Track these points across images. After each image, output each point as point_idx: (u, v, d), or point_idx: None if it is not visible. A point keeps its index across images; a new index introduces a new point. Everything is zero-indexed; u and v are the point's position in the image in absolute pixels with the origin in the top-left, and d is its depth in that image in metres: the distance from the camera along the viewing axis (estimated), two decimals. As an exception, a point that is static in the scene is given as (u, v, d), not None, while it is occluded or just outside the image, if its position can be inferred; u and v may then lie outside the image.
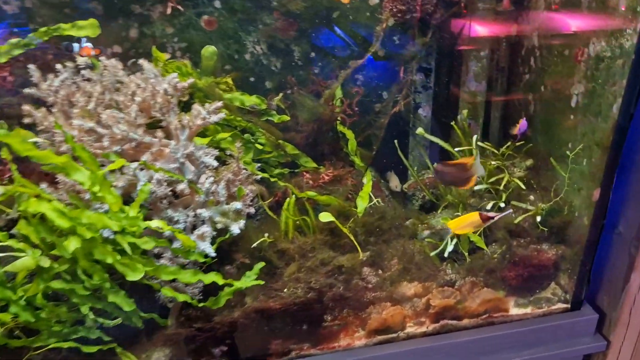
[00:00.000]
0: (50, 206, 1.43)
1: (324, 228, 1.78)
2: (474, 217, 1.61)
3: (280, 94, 1.96)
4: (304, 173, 1.93)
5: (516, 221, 1.81)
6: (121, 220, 1.46)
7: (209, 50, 1.84)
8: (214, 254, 1.58)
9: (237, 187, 1.67)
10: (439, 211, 1.99)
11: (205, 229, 1.59)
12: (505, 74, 2.07)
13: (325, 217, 1.72)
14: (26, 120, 1.53)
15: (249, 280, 1.63)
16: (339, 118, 1.97)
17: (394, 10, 1.89)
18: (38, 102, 1.57)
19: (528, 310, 1.87)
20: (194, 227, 1.64)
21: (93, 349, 1.57)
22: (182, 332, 1.63)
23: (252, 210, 1.72)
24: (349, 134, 1.99)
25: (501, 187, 1.85)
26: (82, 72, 1.62)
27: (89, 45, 1.67)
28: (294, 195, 1.75)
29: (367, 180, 1.94)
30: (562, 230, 1.83)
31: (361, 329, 1.79)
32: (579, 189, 1.78)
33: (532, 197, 1.91)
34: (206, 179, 1.61)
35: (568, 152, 1.76)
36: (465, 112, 1.98)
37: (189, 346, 1.66)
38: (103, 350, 1.58)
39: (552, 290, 1.91)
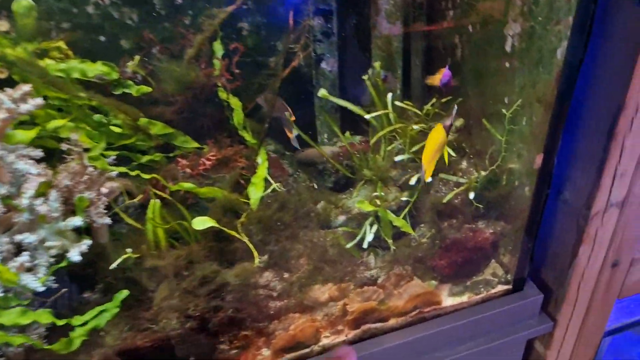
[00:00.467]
0: None
1: (208, 232, 1.39)
2: (439, 133, 1.27)
3: (136, 57, 1.49)
4: (178, 159, 1.50)
5: (445, 200, 1.48)
6: None
7: (22, 4, 1.33)
8: (40, 289, 1.17)
9: (78, 197, 1.24)
10: (356, 190, 1.62)
11: (23, 258, 1.17)
12: (425, 9, 1.67)
13: (201, 223, 1.33)
14: None
15: (106, 315, 1.24)
16: (218, 83, 1.53)
17: None
18: None
19: (464, 298, 1.57)
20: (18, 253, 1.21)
21: None
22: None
23: (106, 220, 1.31)
24: (234, 103, 1.56)
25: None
26: None
27: None
28: (157, 196, 1.34)
29: (262, 161, 1.54)
30: (500, 204, 1.51)
31: (266, 349, 1.45)
32: (518, 154, 1.45)
33: (464, 165, 1.57)
34: (26, 190, 1.17)
35: (504, 110, 1.41)
36: (377, 63, 1.57)
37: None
38: None
39: (493, 270, 1.62)
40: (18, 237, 1.17)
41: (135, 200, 1.46)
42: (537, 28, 1.27)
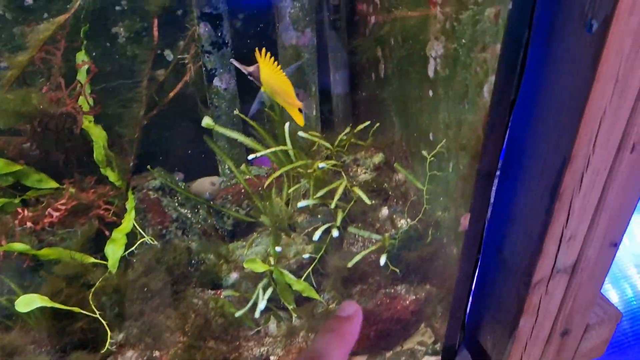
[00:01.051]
0: None
1: (46, 309, 1.09)
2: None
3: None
4: (18, 210, 1.18)
5: (350, 264, 1.17)
6: None
7: None
8: None
9: None
10: (248, 242, 1.32)
11: None
12: (343, 14, 1.34)
13: (27, 304, 1.02)
14: None
15: None
16: (70, 109, 1.21)
17: None
18: None
19: (382, 373, 1.29)
20: None
21: None
22: None
23: None
24: (96, 134, 1.24)
25: (333, 203, 1.17)
26: None
27: None
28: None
29: (129, 208, 1.22)
30: (424, 265, 1.22)
31: None
32: (444, 206, 1.15)
33: (384, 213, 1.26)
34: None
35: (425, 153, 1.10)
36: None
37: None
38: None
39: (420, 338, 1.34)
40: None
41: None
42: (461, 53, 0.95)
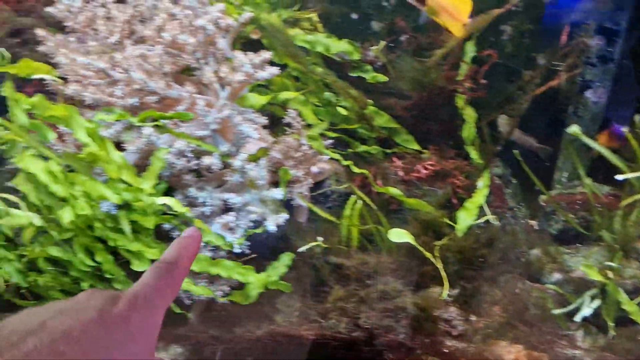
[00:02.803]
0: (44, 167, 1.13)
1: (401, 245, 1.28)
2: None
3: (382, 42, 1.41)
4: (394, 159, 1.40)
5: None
6: (120, 192, 1.12)
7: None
8: (237, 250, 1.19)
9: (282, 169, 1.23)
10: (589, 251, 1.34)
11: (229, 218, 1.19)
12: None
13: (399, 235, 1.22)
14: (41, 48, 1.23)
15: (270, 279, 1.21)
16: (458, 89, 1.37)
17: None
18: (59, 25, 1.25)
19: None
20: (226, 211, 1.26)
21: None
22: (197, 336, 1.31)
23: (303, 204, 1.28)
24: (468, 114, 1.39)
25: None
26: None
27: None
28: (358, 195, 1.27)
29: (483, 185, 1.35)
30: None
31: (426, 388, 1.31)
32: None
33: None
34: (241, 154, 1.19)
35: None
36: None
37: (204, 351, 1.34)
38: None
39: None
40: (225, 195, 1.20)
41: (340, 187, 1.41)
42: None
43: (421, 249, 1.23)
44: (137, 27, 1.23)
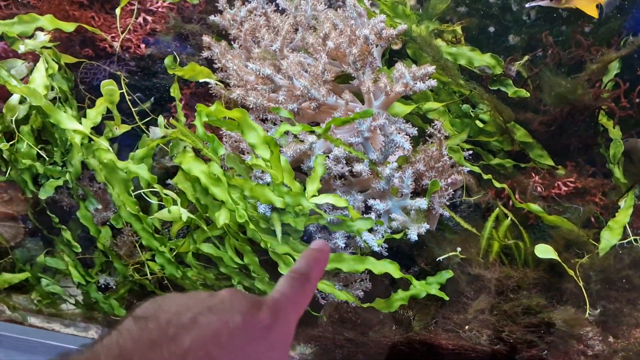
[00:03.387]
0: (205, 169, 1.20)
1: (542, 261, 1.28)
2: None
3: (526, 57, 1.41)
4: (533, 173, 1.40)
5: None
6: (283, 195, 1.17)
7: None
8: (376, 248, 1.22)
9: (432, 180, 1.25)
10: None
11: (370, 216, 1.22)
12: None
13: (544, 251, 1.21)
14: (205, 54, 1.30)
15: (430, 287, 1.23)
16: (603, 106, 1.36)
17: None
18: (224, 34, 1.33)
19: None
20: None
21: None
22: (328, 337, 1.35)
23: (445, 213, 1.30)
24: (615, 133, 1.37)
25: None
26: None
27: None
28: (500, 207, 1.27)
29: (627, 205, 1.33)
30: None
31: (560, 407, 1.29)
32: None
33: None
34: (392, 162, 1.22)
35: None
36: None
37: (336, 352, 1.38)
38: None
39: None
40: (370, 201, 1.24)
41: (471, 199, 1.42)
42: None
43: (565, 265, 1.23)
44: (295, 36, 1.28)
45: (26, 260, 1.51)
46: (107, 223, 1.41)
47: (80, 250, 1.41)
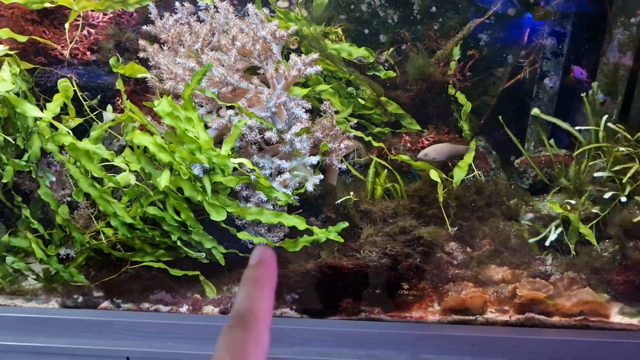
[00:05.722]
0: (152, 140, 1.53)
1: (413, 195, 1.71)
2: None
3: (391, 49, 1.86)
4: (404, 135, 1.84)
5: (636, 219, 1.57)
6: (211, 157, 1.52)
7: (319, 1, 1.80)
8: (291, 200, 1.59)
9: (323, 143, 1.65)
10: (549, 194, 1.78)
11: (286, 176, 1.60)
12: (661, 45, 1.74)
13: (434, 175, 1.64)
14: (141, 55, 1.65)
15: (330, 234, 1.61)
16: (450, 81, 1.83)
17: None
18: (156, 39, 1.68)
19: (635, 321, 1.63)
20: (279, 175, 1.67)
21: (179, 272, 1.69)
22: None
23: (342, 166, 1.70)
24: (462, 99, 1.84)
25: (625, 178, 1.59)
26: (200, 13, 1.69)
27: None
28: (375, 160, 1.69)
29: (470, 150, 1.79)
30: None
31: (437, 305, 1.71)
32: None
33: (665, 195, 1.62)
34: (291, 130, 1.61)
35: None
36: (595, 84, 1.72)
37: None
38: (188, 275, 1.70)
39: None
40: (278, 161, 1.62)
41: (361, 159, 1.84)
42: None
43: (437, 191, 1.66)
44: (213, 39, 1.65)
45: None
46: (64, 201, 1.69)
47: (38, 226, 1.66)
